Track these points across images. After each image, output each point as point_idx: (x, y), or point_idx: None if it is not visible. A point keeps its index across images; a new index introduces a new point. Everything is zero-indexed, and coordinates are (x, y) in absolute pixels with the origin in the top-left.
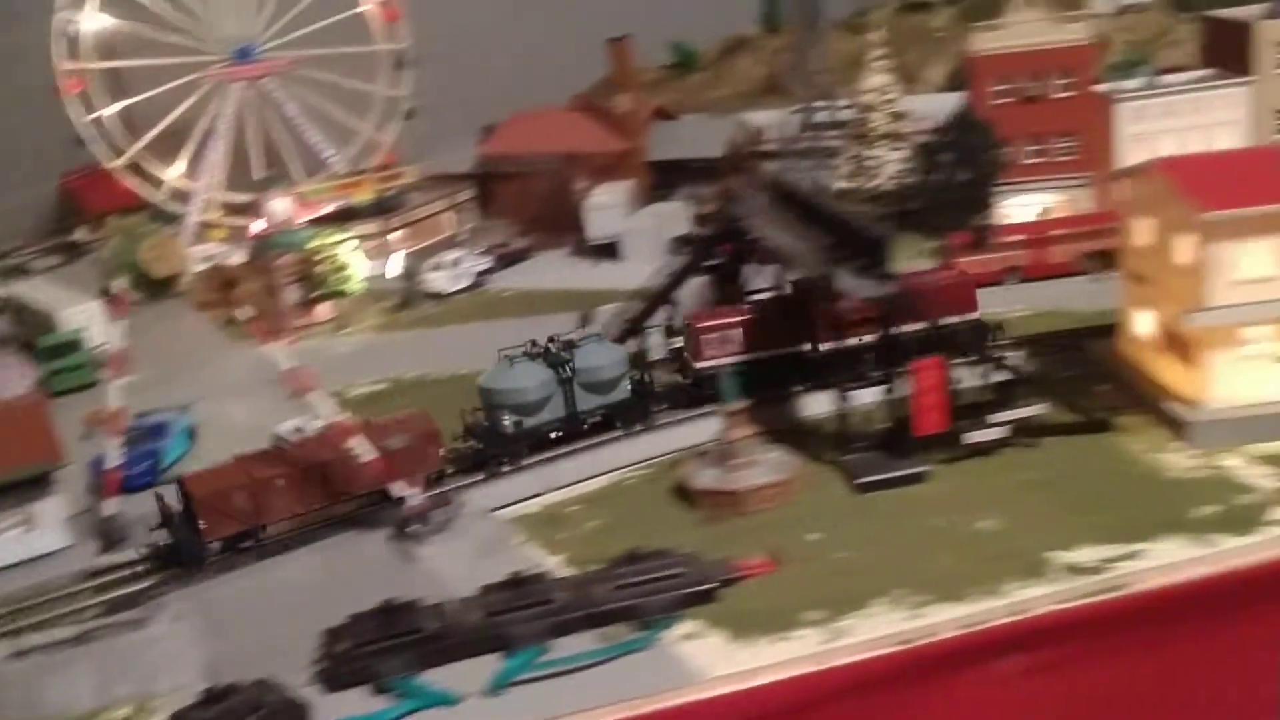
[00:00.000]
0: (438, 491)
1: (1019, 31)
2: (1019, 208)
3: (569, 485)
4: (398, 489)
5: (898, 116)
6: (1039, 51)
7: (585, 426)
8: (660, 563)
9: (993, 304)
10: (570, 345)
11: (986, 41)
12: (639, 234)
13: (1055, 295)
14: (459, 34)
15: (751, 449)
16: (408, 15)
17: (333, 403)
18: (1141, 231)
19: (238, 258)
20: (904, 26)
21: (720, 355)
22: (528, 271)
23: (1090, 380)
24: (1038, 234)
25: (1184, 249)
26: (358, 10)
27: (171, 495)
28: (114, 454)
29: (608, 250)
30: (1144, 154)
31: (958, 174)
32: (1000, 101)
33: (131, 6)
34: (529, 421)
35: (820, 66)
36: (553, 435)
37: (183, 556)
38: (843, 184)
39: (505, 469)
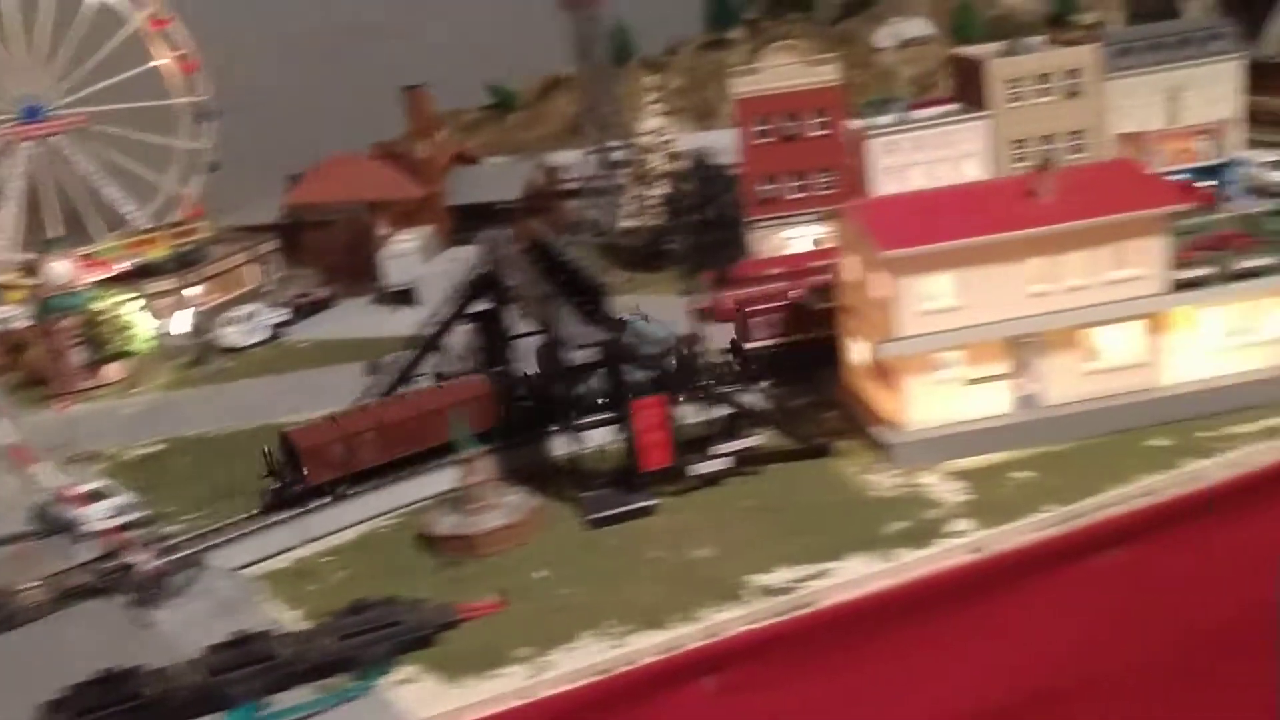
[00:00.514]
0: (182, 555)
1: (775, 75)
2: (787, 241)
3: (322, 537)
4: (129, 555)
5: (675, 157)
6: (793, 93)
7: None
8: (382, 611)
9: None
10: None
11: (746, 85)
12: (435, 280)
13: None
14: (262, 84)
15: (489, 493)
16: (207, 67)
17: (65, 473)
18: (848, 267)
19: (27, 320)
20: (704, 63)
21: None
22: (326, 321)
23: (818, 407)
24: (794, 266)
25: (878, 284)
26: (153, 65)
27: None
28: None
29: (405, 297)
30: (896, 186)
31: (704, 214)
32: (762, 141)
33: None
34: (579, 389)
35: (613, 107)
36: (600, 401)
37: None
38: (628, 223)
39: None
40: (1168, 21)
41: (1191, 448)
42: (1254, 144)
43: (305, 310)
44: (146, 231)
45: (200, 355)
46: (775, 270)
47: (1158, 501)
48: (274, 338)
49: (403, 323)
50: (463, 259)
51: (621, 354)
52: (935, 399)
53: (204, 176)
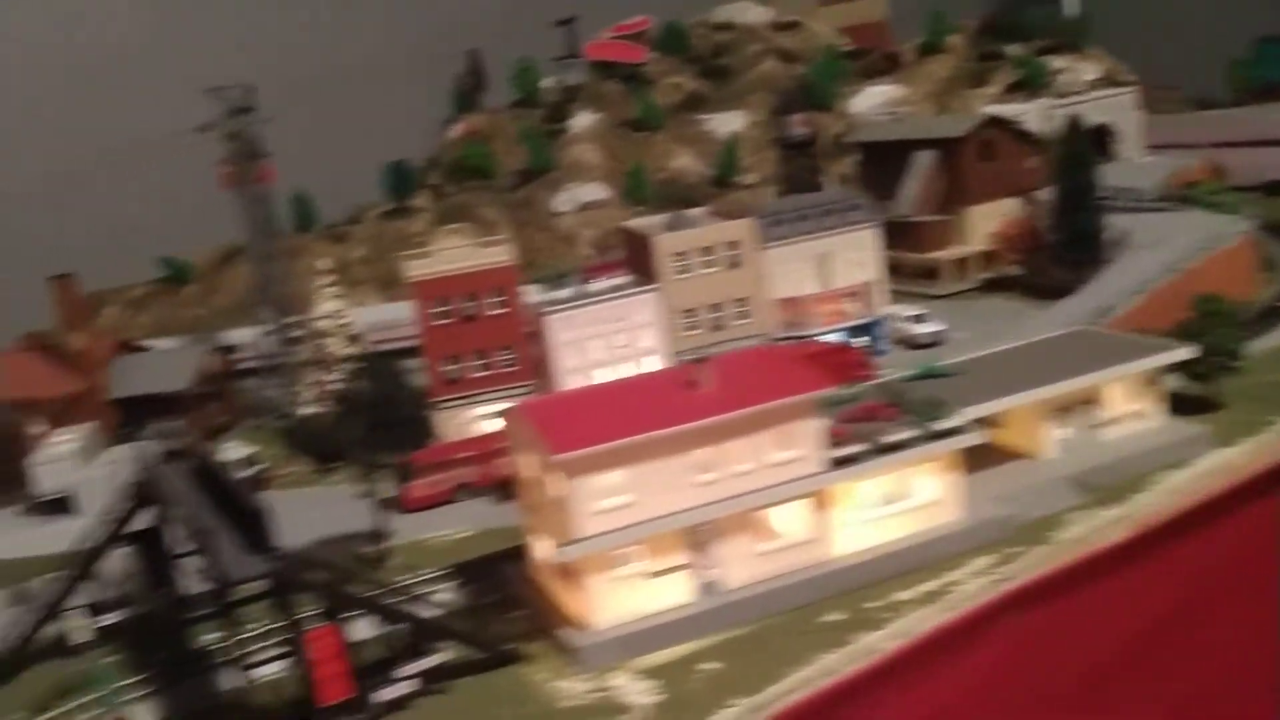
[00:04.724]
0: None
1: (447, 257)
2: (473, 421)
3: None
4: None
5: (354, 339)
6: (467, 274)
7: None
8: None
9: (443, 525)
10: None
11: (419, 268)
12: (96, 485)
13: (498, 511)
14: None
15: None
16: None
17: None
18: (525, 465)
19: None
20: (387, 232)
21: None
22: None
23: (503, 607)
24: (483, 448)
25: (552, 485)
26: None
27: None
28: None
29: (60, 506)
30: (577, 358)
31: (379, 408)
32: (441, 321)
33: None
34: None
35: (287, 284)
36: None
37: None
38: (308, 409)
39: None
40: (812, 194)
41: (862, 620)
42: (898, 296)
43: None
44: None
45: None
46: (470, 452)
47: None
48: None
49: (58, 537)
50: (128, 458)
51: (290, 584)
52: (618, 596)
53: None
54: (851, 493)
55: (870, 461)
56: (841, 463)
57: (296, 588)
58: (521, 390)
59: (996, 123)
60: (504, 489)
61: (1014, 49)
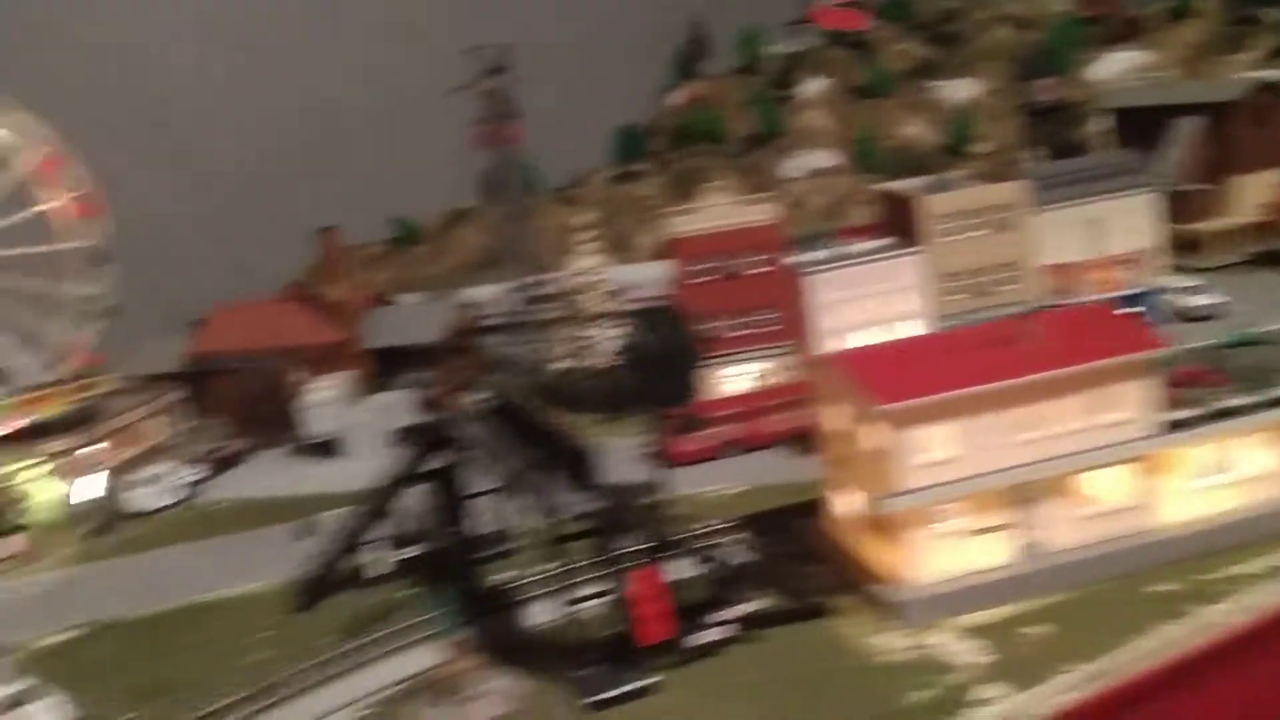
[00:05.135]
0: None
1: (711, 214)
2: (731, 379)
3: None
4: None
5: (610, 295)
6: (731, 232)
7: None
8: None
9: (711, 480)
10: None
11: (681, 225)
12: (361, 429)
13: (767, 468)
14: (158, 222)
15: (473, 680)
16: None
17: None
18: (833, 417)
19: None
20: (616, 196)
21: None
22: (244, 478)
23: (801, 561)
24: (748, 406)
25: (873, 436)
26: (46, 208)
27: None
28: None
29: (327, 448)
30: (835, 320)
31: (664, 359)
32: (701, 280)
33: None
34: None
35: (531, 241)
36: None
37: None
38: (563, 364)
39: None
40: (1084, 157)
41: (1197, 592)
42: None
43: (219, 465)
44: (40, 386)
45: (107, 522)
46: (734, 410)
47: None
48: (189, 498)
49: (327, 477)
50: (389, 406)
51: (618, 522)
52: (937, 552)
53: (101, 324)
54: (1180, 459)
55: (1206, 427)
56: (1175, 427)
57: (624, 526)
58: (782, 350)
59: (1272, 88)
60: (774, 445)
61: (1272, 13)
